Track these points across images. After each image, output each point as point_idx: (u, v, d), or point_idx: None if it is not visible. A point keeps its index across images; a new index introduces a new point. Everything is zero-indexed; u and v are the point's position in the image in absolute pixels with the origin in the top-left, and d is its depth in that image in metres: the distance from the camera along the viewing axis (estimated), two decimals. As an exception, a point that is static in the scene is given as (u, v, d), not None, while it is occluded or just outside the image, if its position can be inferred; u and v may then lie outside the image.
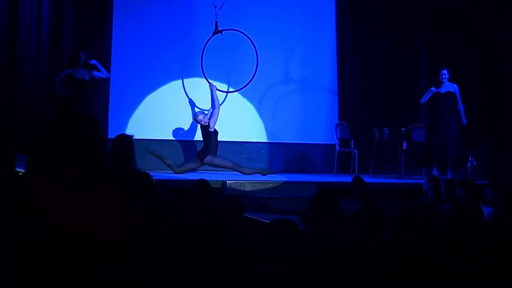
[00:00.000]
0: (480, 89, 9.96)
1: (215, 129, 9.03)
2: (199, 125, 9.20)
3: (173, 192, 4.71)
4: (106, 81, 9.16)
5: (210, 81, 9.36)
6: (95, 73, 8.54)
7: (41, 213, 2.03)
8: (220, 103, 9.28)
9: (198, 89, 9.67)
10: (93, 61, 8.55)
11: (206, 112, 9.19)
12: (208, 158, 8.91)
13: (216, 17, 9.37)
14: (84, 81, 8.41)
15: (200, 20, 9.81)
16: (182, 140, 9.78)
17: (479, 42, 9.87)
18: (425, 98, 9.21)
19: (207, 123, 9.01)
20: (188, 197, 4.71)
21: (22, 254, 2.00)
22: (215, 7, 9.37)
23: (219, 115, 9.10)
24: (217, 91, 9.30)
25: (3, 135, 8.18)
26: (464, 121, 9.10)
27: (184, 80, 9.78)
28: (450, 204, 5.84)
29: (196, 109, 9.57)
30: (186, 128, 9.82)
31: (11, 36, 8.78)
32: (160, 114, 9.72)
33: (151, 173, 4.92)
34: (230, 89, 9.83)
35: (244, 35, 9.50)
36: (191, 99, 9.75)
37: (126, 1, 9.69)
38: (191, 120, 9.66)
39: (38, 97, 8.83)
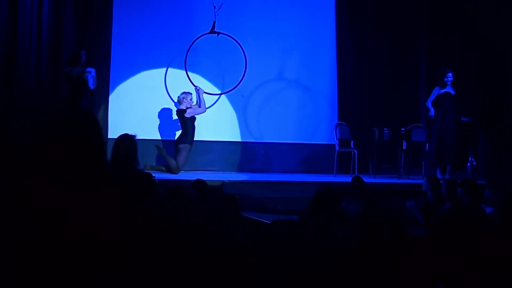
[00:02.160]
0: (480, 89, 9.96)
1: (191, 116, 9.03)
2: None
3: (172, 192, 4.71)
4: (106, 80, 9.20)
5: (196, 84, 9.40)
6: (89, 76, 8.47)
7: (41, 213, 2.03)
8: (208, 106, 9.31)
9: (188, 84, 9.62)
10: (90, 69, 8.50)
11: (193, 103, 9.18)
12: (181, 146, 8.89)
13: (215, 17, 9.37)
14: (82, 80, 8.41)
15: (200, 20, 9.80)
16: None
17: (479, 42, 9.87)
18: (431, 99, 9.26)
19: (185, 109, 8.99)
20: (186, 197, 4.71)
21: (22, 254, 2.00)
22: (214, 7, 9.36)
23: (199, 114, 9.15)
24: (205, 94, 9.33)
25: (3, 135, 8.17)
26: (463, 118, 9.18)
27: (172, 74, 9.77)
28: (449, 204, 5.84)
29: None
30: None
31: (11, 36, 8.77)
32: (159, 113, 9.72)
33: (152, 173, 4.92)
34: (219, 91, 9.82)
35: (235, 41, 9.47)
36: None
37: (126, 1, 9.69)
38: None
39: (38, 97, 8.83)
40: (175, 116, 9.63)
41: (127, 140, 4.77)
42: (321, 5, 10.53)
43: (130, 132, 4.87)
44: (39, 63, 8.94)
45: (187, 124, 9.01)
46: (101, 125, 2.30)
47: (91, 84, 8.49)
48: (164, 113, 9.76)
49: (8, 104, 8.67)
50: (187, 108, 9.05)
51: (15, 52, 8.80)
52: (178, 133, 9.70)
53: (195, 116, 9.11)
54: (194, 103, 9.27)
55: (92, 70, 8.47)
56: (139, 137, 4.91)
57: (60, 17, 9.12)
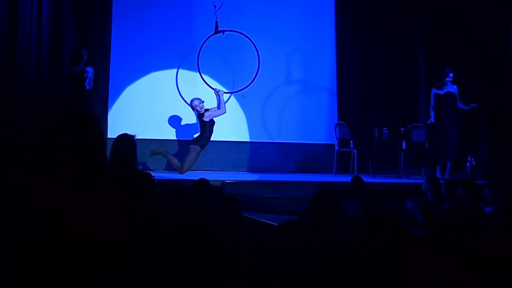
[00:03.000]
0: (480, 89, 9.96)
1: (210, 120, 9.02)
2: (199, 119, 9.18)
3: (173, 192, 4.71)
4: (105, 80, 9.20)
5: (214, 86, 9.39)
6: (89, 76, 8.45)
7: (41, 213, 2.03)
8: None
9: (196, 85, 9.61)
10: (88, 68, 8.47)
11: (203, 100, 9.13)
12: (191, 147, 8.87)
13: (216, 17, 9.36)
14: (83, 80, 8.41)
15: (199, 20, 9.82)
16: (181, 140, 9.78)
17: (479, 42, 9.87)
18: (432, 105, 9.26)
19: (202, 112, 8.99)
20: (186, 197, 4.71)
21: (22, 254, 2.00)
22: (215, 6, 9.36)
23: (218, 116, 9.12)
24: (225, 94, 9.32)
25: (3, 135, 8.17)
26: (472, 105, 9.15)
27: (181, 76, 9.77)
28: (449, 204, 5.84)
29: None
30: (186, 128, 9.82)
31: (11, 36, 8.77)
32: (159, 113, 9.72)
33: (151, 173, 4.91)
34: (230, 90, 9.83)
35: (246, 37, 9.50)
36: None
37: (126, 1, 9.69)
38: (190, 120, 9.67)
39: (38, 97, 8.83)
40: (176, 115, 9.64)
41: (126, 139, 4.76)
42: (321, 5, 10.53)
43: (129, 132, 4.86)
44: (39, 63, 8.94)
45: (206, 127, 8.98)
46: (101, 125, 2.29)
47: (87, 84, 8.46)
48: (164, 112, 9.76)
49: (8, 104, 8.67)
50: (205, 111, 9.01)
51: (15, 52, 8.80)
52: (178, 131, 9.74)
53: (214, 119, 9.06)
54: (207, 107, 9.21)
55: (90, 70, 8.45)
56: (139, 136, 4.91)
57: (60, 17, 9.12)
